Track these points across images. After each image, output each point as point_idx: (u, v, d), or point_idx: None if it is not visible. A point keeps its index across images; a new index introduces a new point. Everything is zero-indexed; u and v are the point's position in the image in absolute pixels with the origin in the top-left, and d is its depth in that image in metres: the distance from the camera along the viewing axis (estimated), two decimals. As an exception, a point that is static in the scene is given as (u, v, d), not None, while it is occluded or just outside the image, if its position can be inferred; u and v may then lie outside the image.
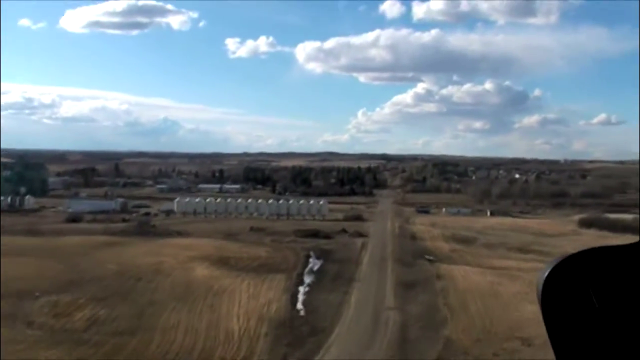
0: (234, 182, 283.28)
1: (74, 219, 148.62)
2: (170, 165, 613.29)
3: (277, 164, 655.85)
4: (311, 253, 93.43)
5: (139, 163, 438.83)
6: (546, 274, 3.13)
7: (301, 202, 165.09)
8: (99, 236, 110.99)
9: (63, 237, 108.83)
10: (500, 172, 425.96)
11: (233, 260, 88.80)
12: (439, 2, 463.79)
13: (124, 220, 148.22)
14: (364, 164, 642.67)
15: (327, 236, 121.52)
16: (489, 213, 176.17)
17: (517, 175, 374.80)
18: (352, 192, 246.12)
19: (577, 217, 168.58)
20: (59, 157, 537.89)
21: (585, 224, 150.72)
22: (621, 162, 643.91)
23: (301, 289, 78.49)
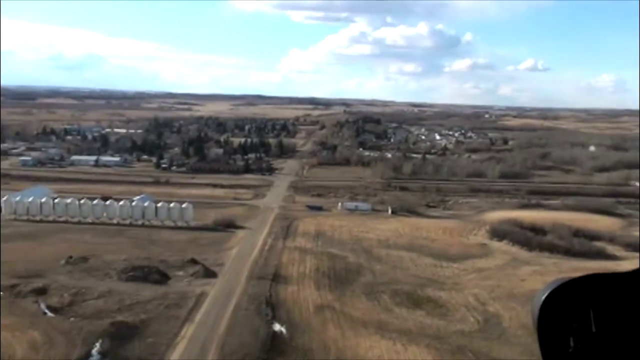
0: (119, 152, 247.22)
1: None
2: (84, 108, 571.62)
3: (199, 108, 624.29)
4: (96, 346, 63.98)
5: (27, 116, 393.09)
6: (543, 297, 3.28)
7: (160, 204, 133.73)
8: None
9: None
10: (423, 130, 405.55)
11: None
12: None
13: None
14: (289, 111, 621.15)
15: (162, 277, 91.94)
16: (389, 211, 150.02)
17: (437, 137, 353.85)
18: (248, 169, 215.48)
19: (489, 218, 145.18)
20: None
21: (497, 234, 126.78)
22: (544, 113, 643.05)
23: None
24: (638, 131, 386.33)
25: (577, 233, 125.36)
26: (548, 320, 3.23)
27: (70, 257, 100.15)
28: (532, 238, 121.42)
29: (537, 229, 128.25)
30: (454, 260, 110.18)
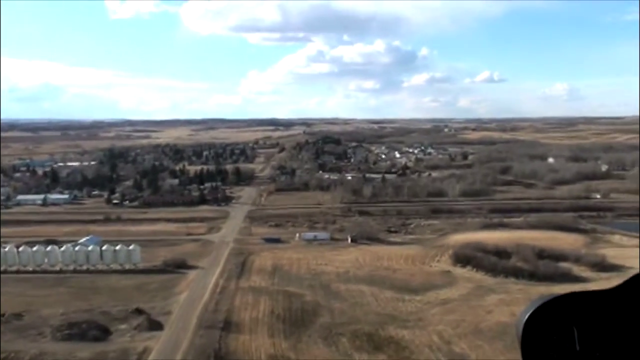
0: (69, 187, 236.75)
1: None
2: (39, 140, 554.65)
3: (158, 135, 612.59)
4: None
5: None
6: (527, 315, 3.31)
7: (105, 247, 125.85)
8: None
9: None
10: (383, 148, 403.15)
11: None
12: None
13: None
14: (250, 133, 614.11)
15: (102, 333, 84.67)
16: (349, 240, 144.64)
17: (397, 155, 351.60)
18: (203, 200, 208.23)
19: (451, 241, 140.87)
20: None
21: (460, 260, 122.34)
22: (502, 125, 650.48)
23: None
24: (595, 140, 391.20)
25: (542, 254, 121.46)
26: (532, 339, 3.21)
27: (3, 314, 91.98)
28: (496, 263, 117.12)
29: (500, 252, 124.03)
30: (417, 292, 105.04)
